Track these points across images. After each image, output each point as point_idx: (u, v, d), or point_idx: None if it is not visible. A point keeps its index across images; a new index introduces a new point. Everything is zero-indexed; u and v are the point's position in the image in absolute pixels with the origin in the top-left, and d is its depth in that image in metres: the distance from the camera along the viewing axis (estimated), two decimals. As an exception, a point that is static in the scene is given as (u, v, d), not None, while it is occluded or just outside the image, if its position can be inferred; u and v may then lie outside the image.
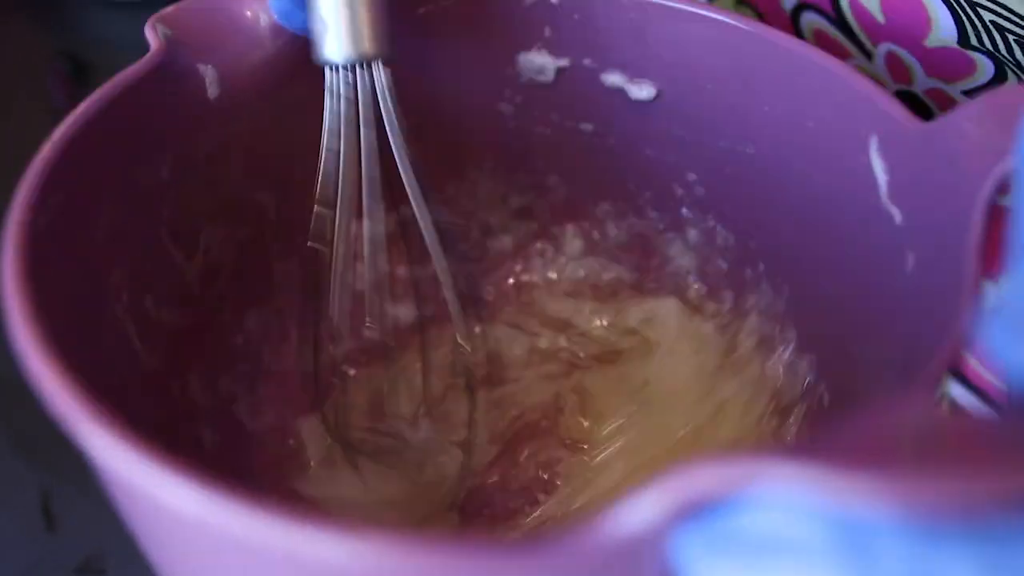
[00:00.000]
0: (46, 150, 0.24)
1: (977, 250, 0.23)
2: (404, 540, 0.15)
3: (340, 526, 0.15)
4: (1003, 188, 0.23)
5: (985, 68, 0.31)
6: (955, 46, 0.30)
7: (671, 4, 0.33)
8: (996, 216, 0.22)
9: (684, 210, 0.37)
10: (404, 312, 0.38)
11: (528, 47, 0.35)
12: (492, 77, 0.36)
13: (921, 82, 0.32)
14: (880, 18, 0.31)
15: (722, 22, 0.32)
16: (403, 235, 0.35)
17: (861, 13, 0.32)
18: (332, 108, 0.29)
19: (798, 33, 0.35)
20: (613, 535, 0.15)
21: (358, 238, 0.32)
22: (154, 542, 0.21)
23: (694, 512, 0.15)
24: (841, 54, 0.34)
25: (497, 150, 0.38)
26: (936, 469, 0.13)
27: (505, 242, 0.39)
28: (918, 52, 0.32)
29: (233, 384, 0.33)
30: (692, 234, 0.37)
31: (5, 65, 0.58)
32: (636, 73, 0.34)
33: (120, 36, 0.61)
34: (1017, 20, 0.28)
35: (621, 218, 0.39)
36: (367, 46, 0.29)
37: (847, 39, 0.33)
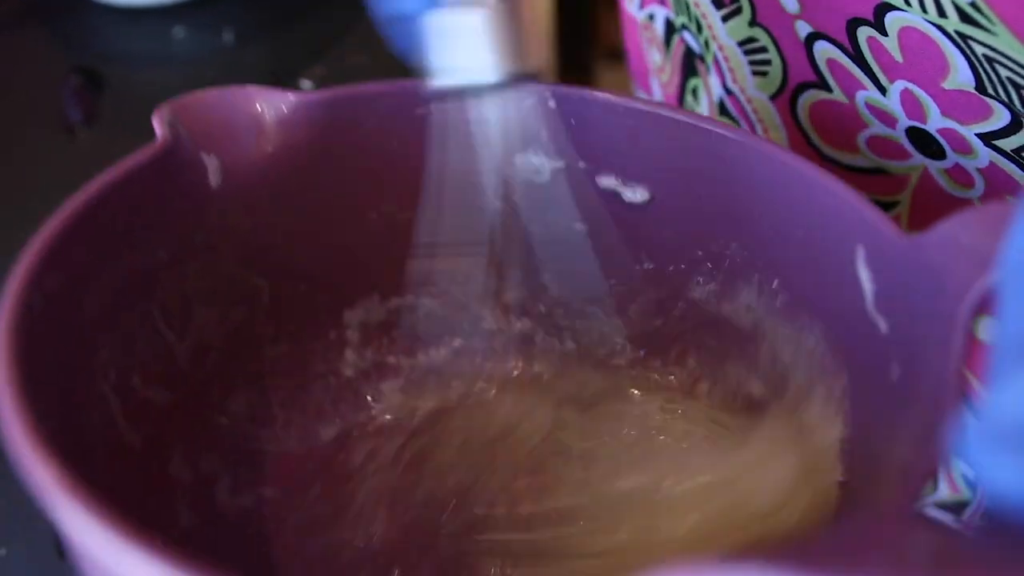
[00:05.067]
0: (46, 230, 0.24)
1: (957, 366, 0.24)
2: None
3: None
4: (984, 305, 0.24)
5: (1002, 115, 0.31)
6: (972, 91, 0.31)
7: (662, 112, 0.34)
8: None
9: (676, 311, 0.37)
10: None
11: (524, 148, 0.36)
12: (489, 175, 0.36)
13: (935, 121, 0.33)
14: (898, 57, 0.32)
15: (710, 131, 0.33)
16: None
17: (879, 50, 0.32)
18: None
19: (811, 61, 0.35)
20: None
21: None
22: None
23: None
24: (853, 85, 0.35)
25: (492, 246, 0.38)
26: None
27: None
28: (935, 92, 0.32)
29: (215, 464, 0.33)
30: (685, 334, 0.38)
31: (21, 77, 0.59)
32: (630, 177, 0.35)
33: (135, 49, 0.63)
34: None
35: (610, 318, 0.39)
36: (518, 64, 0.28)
37: (862, 72, 0.34)
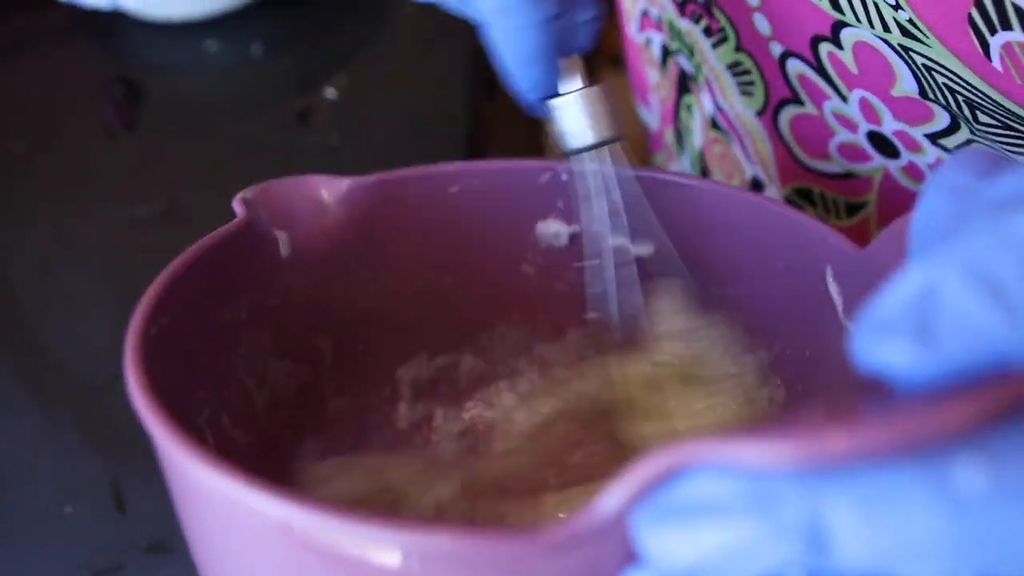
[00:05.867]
0: (160, 279, 0.30)
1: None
2: (413, 526, 0.20)
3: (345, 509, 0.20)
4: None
5: (942, 116, 0.37)
6: (916, 97, 0.37)
7: (658, 176, 0.39)
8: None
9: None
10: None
11: (545, 216, 0.42)
12: (516, 241, 0.42)
13: (889, 124, 0.38)
14: (853, 69, 0.38)
15: (700, 188, 0.38)
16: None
17: (837, 63, 0.38)
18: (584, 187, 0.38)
19: (784, 77, 0.41)
20: (590, 523, 0.20)
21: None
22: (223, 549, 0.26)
23: (647, 493, 0.19)
24: (820, 97, 0.40)
25: (522, 305, 0.44)
26: (813, 434, 0.17)
27: None
28: (886, 99, 0.38)
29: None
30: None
31: (62, 89, 0.64)
32: (636, 235, 0.41)
33: (174, 61, 0.67)
34: (963, 84, 0.35)
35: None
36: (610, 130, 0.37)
37: (826, 84, 0.39)
